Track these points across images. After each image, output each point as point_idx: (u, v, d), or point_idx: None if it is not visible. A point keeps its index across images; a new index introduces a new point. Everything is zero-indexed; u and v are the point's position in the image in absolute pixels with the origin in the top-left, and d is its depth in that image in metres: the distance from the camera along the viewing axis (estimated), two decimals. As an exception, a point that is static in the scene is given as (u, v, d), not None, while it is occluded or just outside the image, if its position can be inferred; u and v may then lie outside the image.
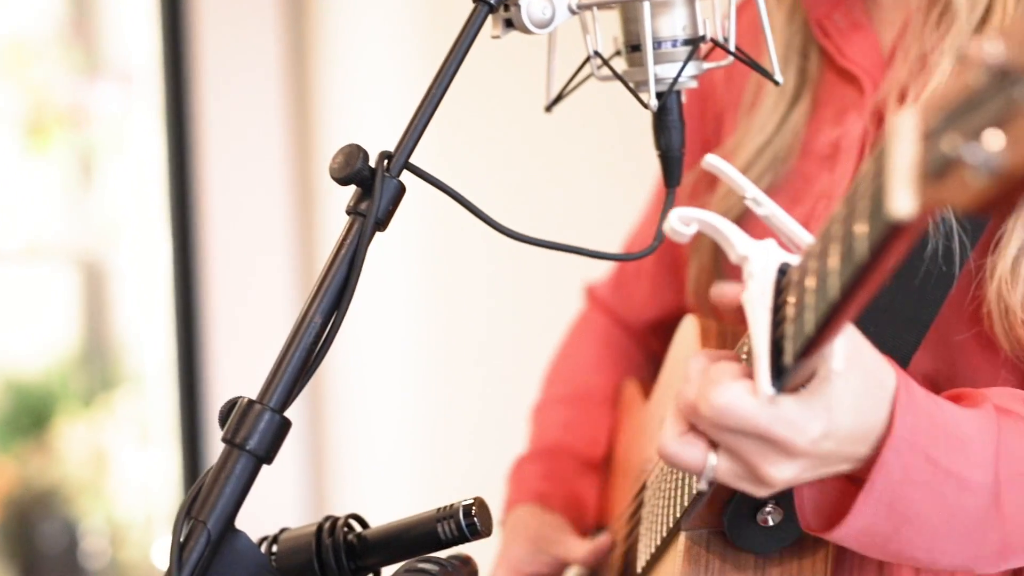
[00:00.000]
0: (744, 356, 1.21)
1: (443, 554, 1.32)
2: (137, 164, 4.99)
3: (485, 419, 3.48)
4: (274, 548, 1.34)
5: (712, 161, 1.26)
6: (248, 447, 1.22)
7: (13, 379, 5.26)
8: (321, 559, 1.33)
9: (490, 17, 1.33)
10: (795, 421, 1.14)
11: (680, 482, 1.40)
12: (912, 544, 1.24)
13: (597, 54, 1.39)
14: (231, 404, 1.25)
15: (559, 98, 1.44)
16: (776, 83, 1.40)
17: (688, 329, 1.59)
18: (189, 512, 1.22)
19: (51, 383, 5.31)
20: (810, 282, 1.07)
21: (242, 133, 4.28)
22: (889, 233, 0.93)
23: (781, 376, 1.12)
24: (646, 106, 1.35)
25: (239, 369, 4.21)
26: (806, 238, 1.20)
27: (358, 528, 1.35)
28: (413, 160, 1.29)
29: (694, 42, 1.35)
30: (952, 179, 0.84)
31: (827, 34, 1.56)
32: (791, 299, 1.11)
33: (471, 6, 1.32)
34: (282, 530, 1.36)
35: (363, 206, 1.27)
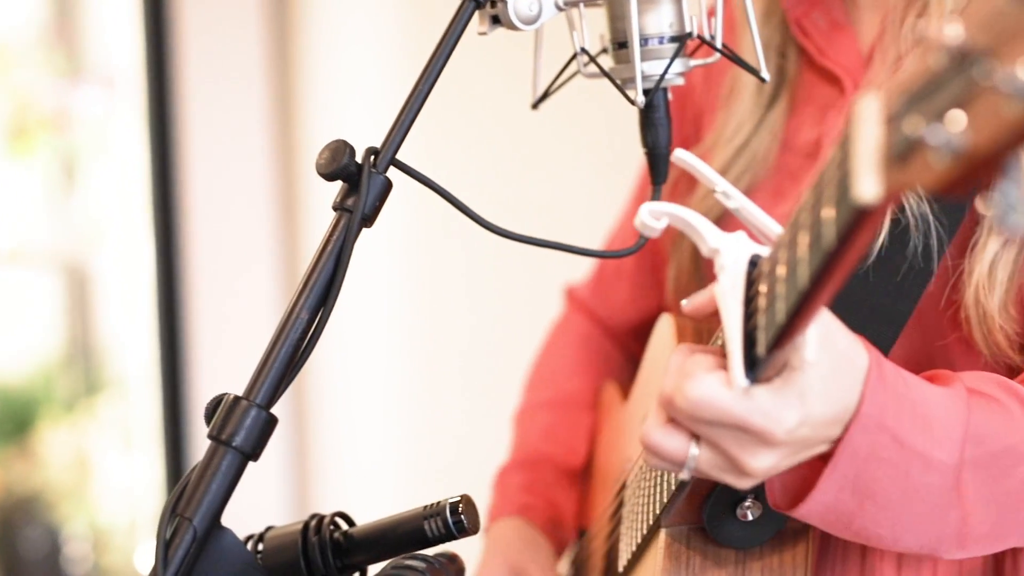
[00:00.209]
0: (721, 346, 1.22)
1: (430, 552, 1.32)
2: (120, 167, 4.98)
3: (470, 416, 3.48)
4: (260, 546, 1.34)
5: (681, 156, 1.27)
6: (234, 443, 1.21)
7: (-4, 384, 5.25)
8: (307, 557, 1.32)
9: (477, 13, 1.33)
10: (770, 412, 1.14)
11: (659, 480, 1.40)
12: (876, 522, 1.25)
13: (584, 51, 1.39)
14: (217, 401, 1.24)
15: (545, 95, 1.44)
16: (762, 80, 1.40)
17: (664, 328, 1.60)
18: (175, 509, 1.21)
19: (34, 388, 5.30)
20: (780, 272, 1.07)
21: (225, 136, 4.27)
22: (856, 218, 0.94)
23: (755, 367, 1.13)
24: (633, 103, 1.35)
25: (223, 373, 4.20)
26: (776, 230, 1.21)
27: (344, 526, 1.35)
28: (400, 156, 1.29)
29: (681, 39, 1.36)
30: (916, 161, 0.85)
31: (807, 33, 1.56)
32: (762, 289, 1.12)
33: (457, 3, 1.32)
34: (268, 528, 1.35)
35: (349, 202, 1.27)
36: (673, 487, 1.35)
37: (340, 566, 1.33)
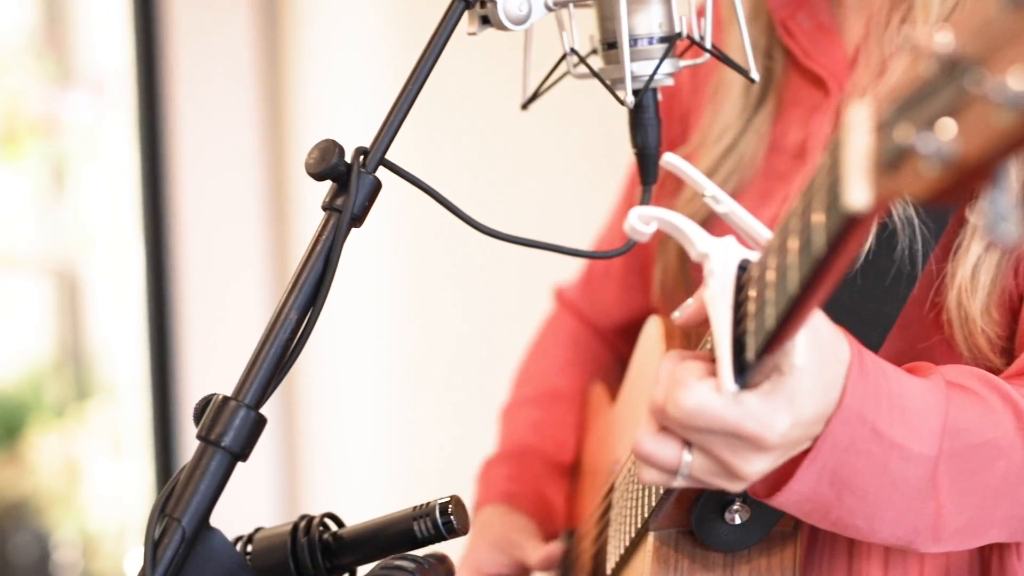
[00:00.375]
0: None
1: (420, 552, 1.32)
2: (110, 173, 4.98)
3: (460, 416, 3.48)
4: (249, 547, 1.34)
5: (671, 160, 1.27)
6: (223, 444, 1.21)
7: (-15, 389, 5.24)
8: (297, 558, 1.32)
9: (466, 14, 1.33)
10: (762, 417, 1.14)
11: None
12: (853, 513, 1.25)
13: (574, 51, 1.39)
14: (206, 401, 1.24)
15: (535, 96, 1.44)
16: (752, 80, 1.40)
17: (652, 330, 1.60)
18: (163, 510, 1.21)
19: (23, 393, 5.29)
20: (770, 277, 1.07)
21: (215, 140, 4.27)
22: (846, 225, 0.94)
23: (744, 372, 1.13)
24: (623, 103, 1.35)
25: (213, 379, 4.17)
26: (765, 234, 1.21)
27: (333, 527, 1.35)
28: (389, 156, 1.29)
29: (670, 39, 1.36)
30: (906, 169, 0.85)
31: (792, 35, 1.57)
32: (752, 295, 1.12)
33: (447, 3, 1.32)
34: (257, 529, 1.35)
35: (339, 202, 1.27)
36: (662, 490, 1.35)
37: (329, 567, 1.33)
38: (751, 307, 1.11)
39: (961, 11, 1.40)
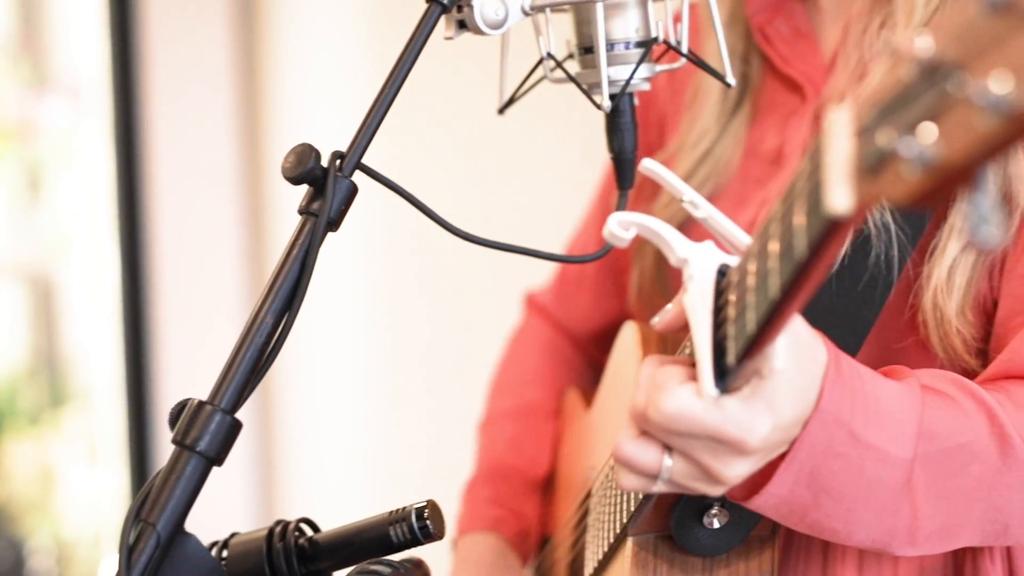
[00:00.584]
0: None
1: (395, 557, 1.32)
2: (85, 178, 4.96)
3: (436, 421, 3.48)
4: (224, 552, 1.33)
5: (649, 165, 1.27)
6: (198, 448, 1.21)
7: (-41, 396, 5.21)
8: (272, 563, 1.32)
9: (443, 18, 1.33)
10: (742, 421, 1.15)
11: None
12: (829, 516, 1.26)
13: (550, 56, 1.39)
14: (181, 405, 1.24)
15: (512, 100, 1.44)
16: (728, 85, 1.41)
17: (628, 335, 1.60)
18: (138, 515, 1.20)
19: (-2, 400, 5.26)
20: (750, 282, 1.08)
21: (191, 146, 4.26)
22: (827, 229, 0.94)
23: (725, 376, 1.13)
24: (599, 107, 1.35)
25: (189, 386, 4.15)
26: (744, 239, 1.21)
27: (309, 532, 1.35)
28: (366, 160, 1.29)
29: (647, 44, 1.36)
30: (888, 173, 0.85)
31: (769, 41, 1.57)
32: (732, 299, 1.12)
33: (424, 7, 1.31)
34: (232, 534, 1.35)
35: (315, 206, 1.27)
36: (641, 495, 1.35)
37: (305, 572, 1.33)
38: (731, 311, 1.11)
39: (942, 15, 1.40)
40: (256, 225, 4.28)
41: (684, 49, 1.38)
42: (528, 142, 3.05)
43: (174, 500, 1.20)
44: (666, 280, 1.62)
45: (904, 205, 0.85)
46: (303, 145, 1.27)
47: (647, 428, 1.18)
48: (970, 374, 1.37)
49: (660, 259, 1.63)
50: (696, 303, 1.16)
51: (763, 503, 1.25)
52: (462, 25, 1.35)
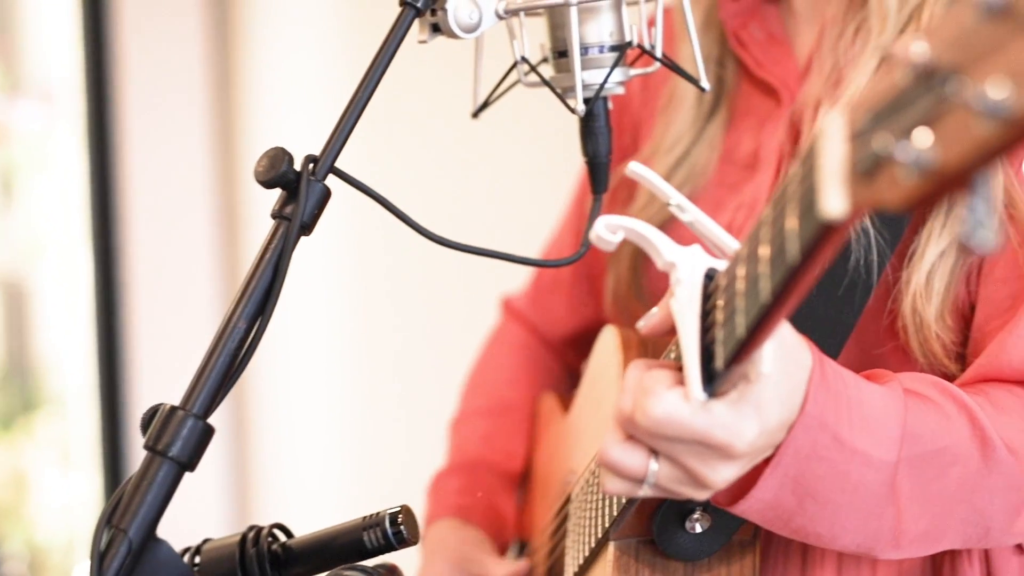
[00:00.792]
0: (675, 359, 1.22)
1: (369, 563, 1.31)
2: (59, 182, 4.94)
3: (410, 426, 3.47)
4: (197, 559, 1.32)
5: (636, 169, 1.27)
6: (170, 454, 1.20)
7: (-69, 401, 5.19)
8: (245, 569, 1.31)
9: (417, 21, 1.33)
10: (730, 425, 1.14)
11: None
12: (815, 520, 1.26)
13: (524, 59, 1.39)
14: (153, 411, 1.23)
15: (486, 104, 1.44)
16: (703, 89, 1.41)
17: (608, 340, 1.59)
18: (110, 520, 1.20)
19: (-30, 405, 5.24)
20: (740, 286, 1.07)
21: (165, 150, 4.25)
22: (821, 233, 0.94)
23: (712, 381, 1.13)
24: (573, 111, 1.35)
25: (162, 391, 4.14)
26: (731, 243, 1.21)
27: (283, 538, 1.34)
28: (339, 164, 1.28)
29: (621, 48, 1.36)
30: (883, 178, 0.85)
31: (744, 45, 1.57)
32: (720, 303, 1.12)
33: (397, 10, 1.31)
34: (205, 540, 1.34)
35: (288, 210, 1.26)
36: (624, 500, 1.35)
37: (278, 578, 1.32)
38: (719, 316, 1.11)
39: (919, 20, 1.40)
40: (229, 229, 4.27)
41: (658, 53, 1.38)
42: (502, 146, 3.05)
43: (146, 506, 1.19)
44: (641, 286, 1.62)
45: (899, 209, 0.85)
46: (276, 149, 1.27)
47: (633, 432, 1.18)
48: (950, 378, 1.37)
49: (636, 264, 1.63)
50: (684, 307, 1.16)
51: (748, 508, 1.25)
52: (436, 29, 1.34)
